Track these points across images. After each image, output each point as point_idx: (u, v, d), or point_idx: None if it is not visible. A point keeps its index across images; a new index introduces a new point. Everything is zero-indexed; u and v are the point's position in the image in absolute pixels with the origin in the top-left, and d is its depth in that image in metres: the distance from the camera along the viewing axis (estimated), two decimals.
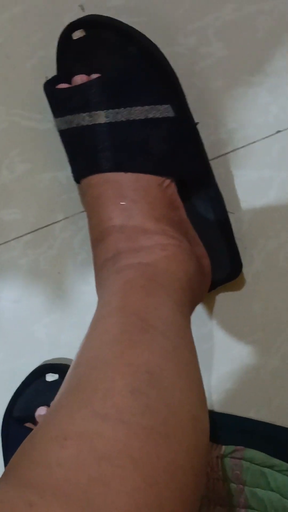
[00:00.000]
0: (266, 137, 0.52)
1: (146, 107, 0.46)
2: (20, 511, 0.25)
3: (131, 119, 0.46)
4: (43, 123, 0.52)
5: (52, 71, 0.50)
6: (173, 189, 0.48)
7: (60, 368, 0.52)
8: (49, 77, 0.50)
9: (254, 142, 0.52)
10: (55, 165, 0.52)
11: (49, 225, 0.53)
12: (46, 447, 0.29)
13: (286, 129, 0.51)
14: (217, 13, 0.50)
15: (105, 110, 0.46)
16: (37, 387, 0.52)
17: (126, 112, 0.46)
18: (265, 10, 0.50)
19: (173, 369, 0.36)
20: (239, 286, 0.53)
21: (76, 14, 0.50)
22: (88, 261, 0.53)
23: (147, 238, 0.45)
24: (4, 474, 0.30)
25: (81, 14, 0.50)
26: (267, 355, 0.53)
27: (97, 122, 0.46)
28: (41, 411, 0.50)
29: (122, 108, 0.46)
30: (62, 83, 0.48)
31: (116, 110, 0.46)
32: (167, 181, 0.47)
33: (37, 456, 0.29)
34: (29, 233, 0.53)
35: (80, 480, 0.27)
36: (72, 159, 0.49)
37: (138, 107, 0.46)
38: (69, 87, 0.48)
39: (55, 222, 0.53)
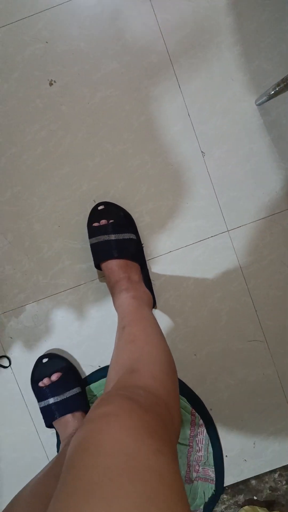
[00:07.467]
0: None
1: (129, 234, 0.99)
2: None
3: (125, 238, 0.97)
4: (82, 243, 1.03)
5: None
6: (140, 273, 0.99)
7: None
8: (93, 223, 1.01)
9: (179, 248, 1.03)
10: None
11: None
12: None
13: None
14: None
15: (115, 234, 0.97)
16: None
17: (122, 235, 0.98)
18: None
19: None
20: None
21: (91, 204, 1.04)
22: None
23: (138, 285, 0.93)
24: None
25: (93, 203, 1.04)
26: None
27: (111, 239, 0.96)
28: None
29: (121, 234, 0.98)
30: (95, 223, 1.01)
31: (119, 234, 0.97)
32: (138, 266, 0.98)
33: None
34: None
35: None
36: (97, 254, 0.96)
37: (127, 233, 0.98)
38: (99, 225, 0.99)
39: None
